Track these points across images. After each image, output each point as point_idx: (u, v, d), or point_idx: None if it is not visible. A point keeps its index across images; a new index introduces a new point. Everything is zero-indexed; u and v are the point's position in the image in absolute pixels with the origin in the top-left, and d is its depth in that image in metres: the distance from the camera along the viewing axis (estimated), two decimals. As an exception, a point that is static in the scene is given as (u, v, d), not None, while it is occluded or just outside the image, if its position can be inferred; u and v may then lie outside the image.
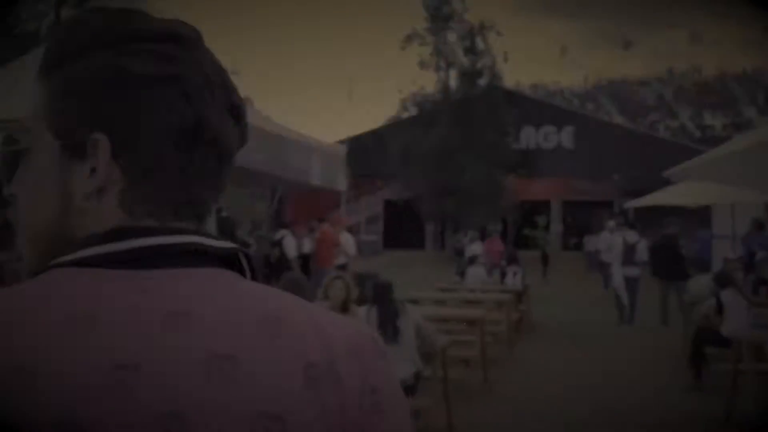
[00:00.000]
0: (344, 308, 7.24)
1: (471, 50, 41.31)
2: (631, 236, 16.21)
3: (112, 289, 0.92)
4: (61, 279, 0.93)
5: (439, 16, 40.77)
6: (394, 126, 41.53)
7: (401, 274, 29.71)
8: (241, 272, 1.03)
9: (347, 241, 15.59)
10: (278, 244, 14.47)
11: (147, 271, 0.95)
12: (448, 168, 38.01)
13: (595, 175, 40.22)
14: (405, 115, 42.99)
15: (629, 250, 15.94)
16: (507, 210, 37.62)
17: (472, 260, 15.85)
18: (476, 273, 15.44)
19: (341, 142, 40.45)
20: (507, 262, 15.64)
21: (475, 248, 19.22)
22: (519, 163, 40.03)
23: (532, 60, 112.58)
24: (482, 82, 41.53)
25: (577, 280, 26.69)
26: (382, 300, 7.05)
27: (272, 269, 14.25)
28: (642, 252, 15.96)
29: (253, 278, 1.04)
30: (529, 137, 43.07)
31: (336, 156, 17.17)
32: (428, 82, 43.38)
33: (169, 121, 0.98)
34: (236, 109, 1.06)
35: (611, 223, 20.31)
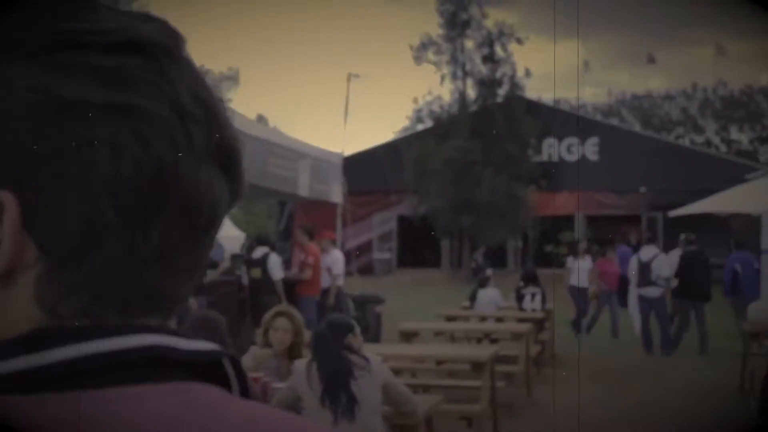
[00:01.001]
0: (291, 355, 5.24)
1: (490, 58, 39.44)
2: (647, 252, 14.33)
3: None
4: None
5: (456, 23, 38.91)
6: (408, 138, 39.55)
7: (412, 295, 27.84)
8: (226, 384, 0.71)
9: (334, 258, 13.48)
10: (259, 263, 12.31)
11: (85, 393, 0.63)
12: (465, 181, 36.25)
13: (621, 189, 38.18)
14: (419, 126, 41.04)
15: (644, 269, 14.23)
16: (527, 225, 35.56)
17: (484, 282, 13.70)
18: (489, 297, 13.35)
19: (351, 155, 39.49)
20: (524, 283, 13.49)
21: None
22: (541, 176, 38.01)
23: (555, 75, 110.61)
24: (502, 91, 39.78)
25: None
26: (329, 351, 4.95)
27: (252, 293, 12.17)
28: (661, 269, 14.16)
29: (243, 392, 0.72)
30: (552, 149, 40.98)
31: (329, 164, 15.21)
32: (444, 92, 41.64)
33: (115, 175, 0.65)
34: (226, 153, 0.72)
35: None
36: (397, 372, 6.17)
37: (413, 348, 8.43)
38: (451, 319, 12.04)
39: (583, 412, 9.73)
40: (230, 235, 24.24)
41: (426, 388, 8.00)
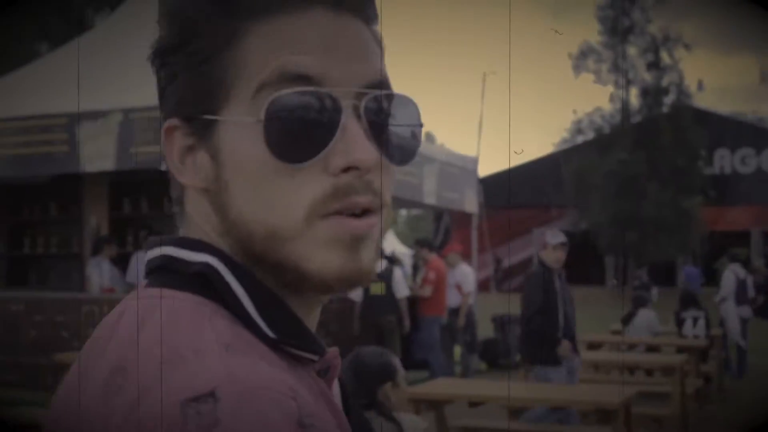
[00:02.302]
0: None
1: (655, 65, 37.28)
2: (740, 270, 13.95)
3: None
4: None
5: (617, 29, 36.96)
6: (569, 150, 37.77)
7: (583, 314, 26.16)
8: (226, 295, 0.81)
9: (463, 273, 12.22)
10: (382, 277, 11.18)
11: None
12: (629, 196, 34.28)
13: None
14: (580, 138, 39.18)
15: (741, 287, 13.70)
16: (696, 241, 33.21)
17: (640, 302, 12.14)
18: (644, 320, 11.82)
19: (514, 167, 38.29)
20: (684, 305, 11.87)
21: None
22: (711, 189, 35.52)
23: (728, 88, 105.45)
24: (668, 100, 37.54)
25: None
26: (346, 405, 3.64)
27: (367, 311, 11.09)
28: (750, 288, 14.09)
29: (253, 297, 0.81)
30: (724, 161, 38.32)
31: (461, 169, 13.99)
32: (605, 102, 39.67)
33: None
34: None
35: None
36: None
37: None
38: (594, 346, 10.59)
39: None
40: (398, 251, 23.66)
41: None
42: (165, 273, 0.84)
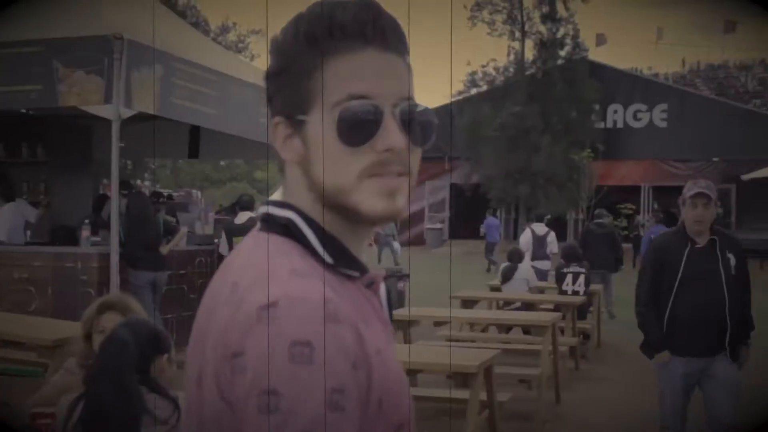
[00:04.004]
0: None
1: (550, 17, 36.89)
2: (541, 228, 15.06)
3: None
4: None
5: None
6: (462, 103, 37.18)
7: (460, 269, 25.81)
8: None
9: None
10: (244, 230, 10.27)
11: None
12: (521, 149, 34.00)
13: (692, 158, 35.51)
14: (473, 90, 38.67)
15: (538, 242, 14.73)
16: (588, 196, 33.15)
17: (514, 256, 11.55)
18: (522, 275, 11.24)
19: None
20: (565, 260, 11.31)
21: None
22: (603, 144, 35.43)
23: (626, 44, 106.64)
24: (563, 53, 37.28)
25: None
26: (114, 383, 2.88)
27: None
28: (549, 244, 14.92)
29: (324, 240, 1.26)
30: (617, 115, 38.29)
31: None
32: (500, 54, 39.30)
33: None
34: None
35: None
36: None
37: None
38: (470, 303, 9.93)
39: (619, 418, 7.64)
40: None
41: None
42: (264, 223, 1.27)
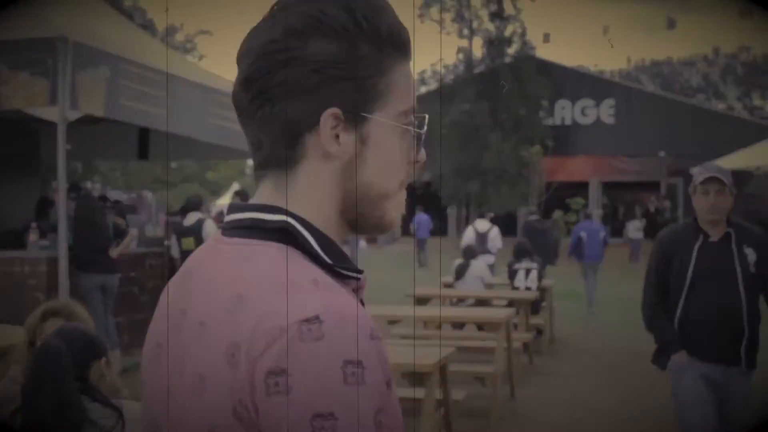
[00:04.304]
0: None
1: (498, 15, 37.10)
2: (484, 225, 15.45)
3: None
4: None
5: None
6: (412, 100, 37.30)
7: (411, 266, 25.78)
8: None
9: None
10: (192, 231, 10.15)
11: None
12: (471, 146, 34.13)
13: (639, 153, 35.92)
14: (423, 89, 38.80)
15: (480, 239, 15.01)
16: (538, 192, 33.36)
17: (469, 253, 11.59)
18: (476, 271, 11.29)
19: None
20: (516, 257, 11.37)
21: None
22: (552, 140, 35.73)
23: (573, 42, 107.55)
24: (511, 51, 37.51)
25: (620, 274, 21.96)
26: (52, 390, 2.81)
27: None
28: (491, 240, 15.21)
29: (323, 244, 1.17)
30: (565, 112, 38.61)
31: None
32: (448, 53, 39.44)
33: None
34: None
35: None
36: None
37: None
38: (424, 300, 9.93)
39: (578, 413, 7.70)
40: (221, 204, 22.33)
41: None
42: (247, 229, 1.17)
